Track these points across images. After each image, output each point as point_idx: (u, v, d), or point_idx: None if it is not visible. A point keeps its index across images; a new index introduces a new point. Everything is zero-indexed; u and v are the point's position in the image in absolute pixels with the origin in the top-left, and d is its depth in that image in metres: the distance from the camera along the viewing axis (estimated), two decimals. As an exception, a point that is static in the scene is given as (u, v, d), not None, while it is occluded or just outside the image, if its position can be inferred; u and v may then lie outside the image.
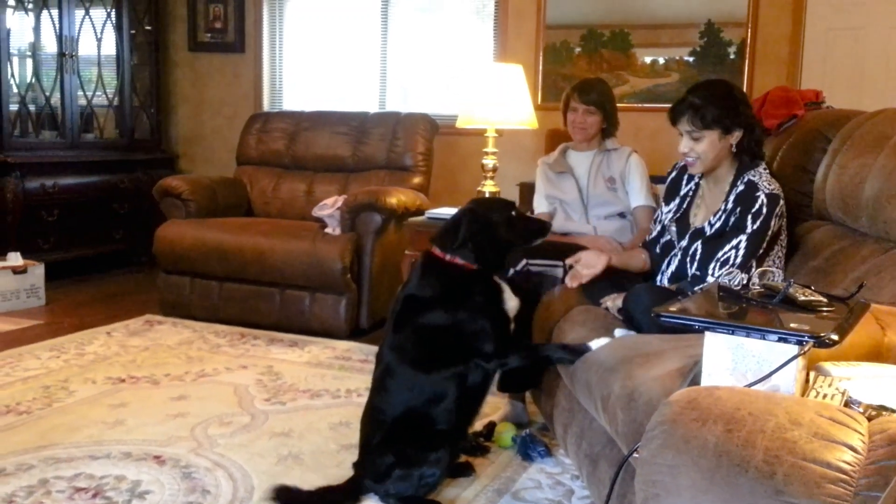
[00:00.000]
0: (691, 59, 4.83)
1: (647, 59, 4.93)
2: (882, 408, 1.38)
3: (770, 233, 2.34)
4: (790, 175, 2.75)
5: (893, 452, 1.14)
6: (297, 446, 2.69)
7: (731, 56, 4.76)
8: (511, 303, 2.35)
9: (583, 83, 3.32)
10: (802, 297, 1.57)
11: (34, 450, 2.61)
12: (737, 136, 2.37)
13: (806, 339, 1.37)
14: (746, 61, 4.73)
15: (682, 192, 2.60)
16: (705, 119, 2.32)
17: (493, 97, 3.80)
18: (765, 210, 2.31)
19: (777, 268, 2.42)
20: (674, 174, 2.66)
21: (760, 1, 4.70)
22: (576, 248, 2.72)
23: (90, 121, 5.60)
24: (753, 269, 2.29)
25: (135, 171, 5.67)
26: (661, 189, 2.76)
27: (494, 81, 3.85)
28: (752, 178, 2.37)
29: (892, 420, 1.29)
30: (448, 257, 2.33)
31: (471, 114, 3.86)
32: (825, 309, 1.55)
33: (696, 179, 2.56)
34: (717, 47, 4.78)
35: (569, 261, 2.61)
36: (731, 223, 2.37)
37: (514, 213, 2.43)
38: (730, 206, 2.38)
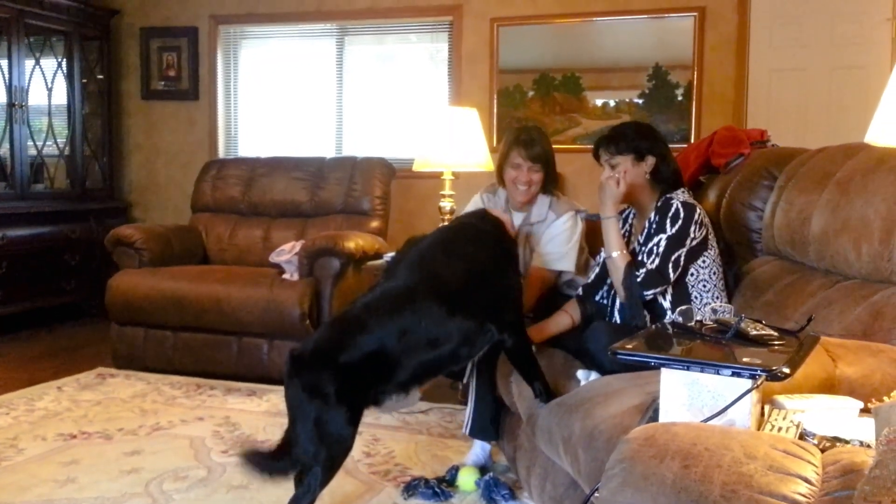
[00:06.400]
0: (641, 101, 4.95)
1: (599, 102, 5.04)
2: (836, 439, 1.40)
3: (690, 240, 2.44)
4: (739, 212, 2.81)
5: (847, 483, 1.16)
6: (255, 499, 2.63)
7: (679, 98, 4.89)
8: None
9: (524, 134, 3.00)
10: (754, 332, 1.60)
11: (-21, 512, 2.51)
12: (650, 162, 2.55)
13: (758, 372, 1.40)
14: (693, 102, 4.86)
15: None
16: (619, 145, 2.56)
17: (448, 140, 3.85)
18: (682, 214, 2.44)
19: (714, 286, 2.50)
20: None
21: (705, 45, 4.85)
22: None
23: (40, 171, 5.51)
24: (671, 276, 2.42)
25: (87, 221, 5.57)
26: None
27: (450, 125, 3.90)
28: (668, 196, 2.53)
29: (846, 451, 1.30)
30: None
31: (427, 157, 3.90)
32: (776, 343, 1.57)
33: (630, 220, 2.69)
34: (665, 89, 4.91)
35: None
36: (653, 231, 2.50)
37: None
38: (652, 220, 2.51)
